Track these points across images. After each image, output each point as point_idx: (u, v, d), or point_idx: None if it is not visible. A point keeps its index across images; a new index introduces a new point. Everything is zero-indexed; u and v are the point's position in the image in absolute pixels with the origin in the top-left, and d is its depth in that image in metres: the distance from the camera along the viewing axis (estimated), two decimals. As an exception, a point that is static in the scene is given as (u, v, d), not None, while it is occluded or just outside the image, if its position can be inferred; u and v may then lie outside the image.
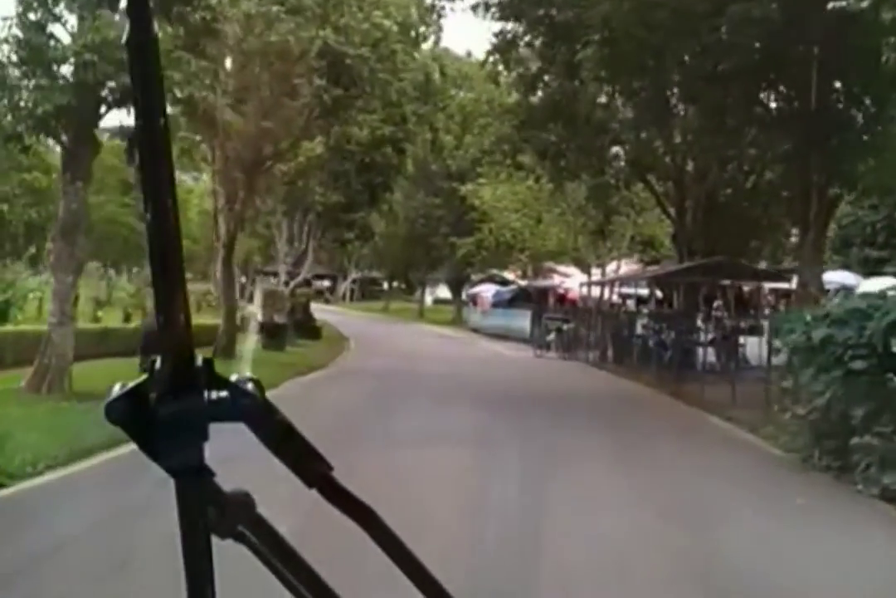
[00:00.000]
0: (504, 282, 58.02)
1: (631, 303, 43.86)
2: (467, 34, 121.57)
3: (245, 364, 22.77)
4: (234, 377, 1.15)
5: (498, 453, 12.79)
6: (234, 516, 1.17)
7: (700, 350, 29.90)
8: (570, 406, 19.67)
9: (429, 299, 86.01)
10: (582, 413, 18.28)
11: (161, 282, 1.06)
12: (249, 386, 1.15)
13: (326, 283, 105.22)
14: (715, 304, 33.92)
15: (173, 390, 1.09)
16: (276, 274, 39.54)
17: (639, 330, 34.39)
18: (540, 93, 27.58)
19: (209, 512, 1.13)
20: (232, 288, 27.94)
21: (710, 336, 31.37)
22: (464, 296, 67.38)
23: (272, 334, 32.30)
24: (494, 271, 60.71)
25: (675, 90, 28.13)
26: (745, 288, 35.95)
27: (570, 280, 48.52)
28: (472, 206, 51.89)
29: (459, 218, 58.87)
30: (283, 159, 29.64)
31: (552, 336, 37.43)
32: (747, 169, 33.31)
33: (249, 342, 26.25)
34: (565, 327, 37.82)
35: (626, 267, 46.52)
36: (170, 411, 1.09)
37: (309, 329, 40.89)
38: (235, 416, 1.13)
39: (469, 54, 57.05)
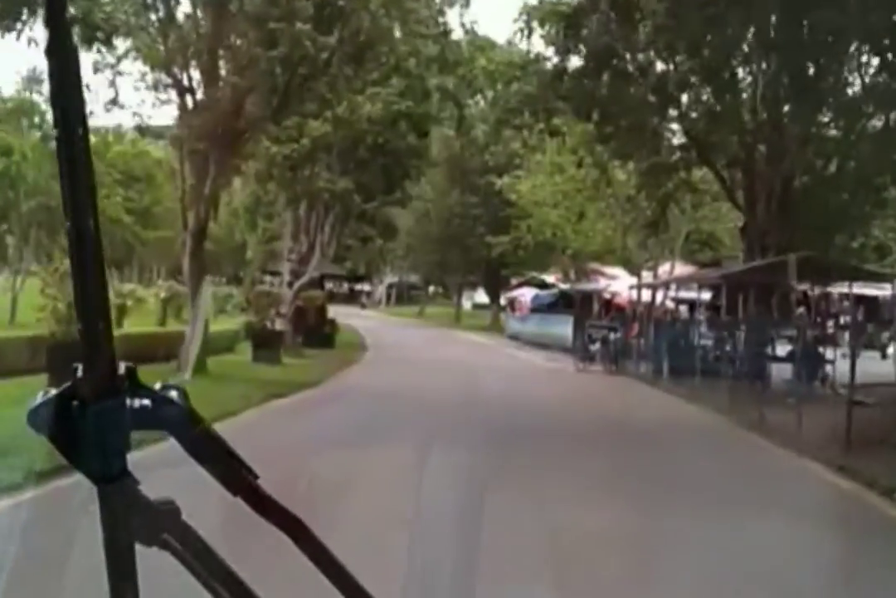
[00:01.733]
0: (544, 285, 52.24)
1: (684, 309, 38.11)
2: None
3: (199, 381, 17.44)
4: (157, 385, 1.13)
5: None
6: (159, 523, 1.15)
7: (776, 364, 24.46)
8: (629, 453, 13.76)
9: (467, 304, 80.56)
10: (648, 469, 12.44)
11: (81, 290, 1.05)
12: (173, 394, 1.14)
13: (367, 287, 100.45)
14: (799, 310, 28.12)
15: (95, 397, 1.08)
16: (278, 274, 34.03)
17: (698, 340, 28.67)
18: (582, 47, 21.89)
19: (133, 520, 1.11)
20: (205, 287, 22.57)
21: (788, 349, 25.64)
22: (502, 300, 61.78)
23: (265, 344, 26.88)
24: (533, 274, 54.95)
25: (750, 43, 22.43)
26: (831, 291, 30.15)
27: (617, 283, 42.68)
28: (508, 201, 46.23)
29: (497, 216, 53.28)
30: (265, 131, 24.24)
31: (597, 346, 31.73)
32: (830, 151, 27.53)
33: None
34: (612, 335, 32.10)
35: (679, 269, 40.67)
36: (92, 419, 1.07)
37: (321, 337, 35.48)
38: (158, 424, 1.13)
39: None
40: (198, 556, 1.17)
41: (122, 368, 1.11)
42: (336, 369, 27.19)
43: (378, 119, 28.56)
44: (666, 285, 34.72)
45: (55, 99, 1.03)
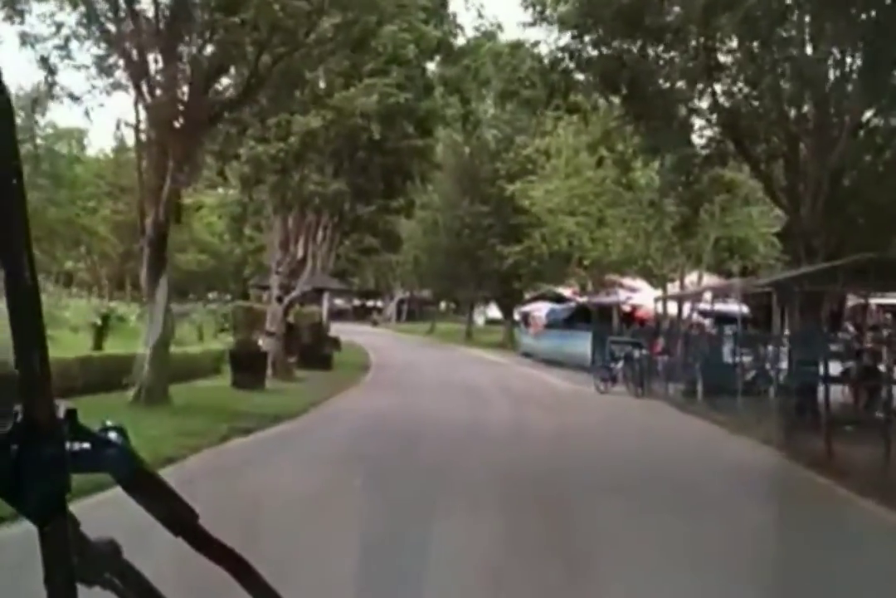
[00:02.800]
0: (559, 299, 48.78)
1: (708, 323, 34.65)
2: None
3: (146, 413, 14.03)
4: (97, 427, 1.14)
5: None
6: (100, 563, 1.16)
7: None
8: (682, 525, 9.99)
9: (480, 320, 77.17)
10: (719, 559, 8.78)
11: (18, 326, 1.04)
12: (113, 435, 1.15)
13: (379, 303, 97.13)
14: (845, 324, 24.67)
15: (34, 441, 1.07)
16: (266, 288, 30.62)
17: (736, 356, 25.23)
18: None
19: (74, 560, 1.10)
20: (165, 303, 19.18)
21: (842, 367, 22.23)
22: (515, 316, 58.37)
23: (247, 367, 23.46)
24: (548, 287, 51.49)
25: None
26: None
27: (639, 295, 39.27)
28: (521, 208, 42.85)
29: (508, 226, 49.92)
30: (238, 121, 20.98)
31: (620, 365, 28.24)
32: (882, 142, 24.13)
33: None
34: (637, 352, 28.62)
35: (706, 279, 37.19)
36: (30, 462, 1.07)
37: (318, 357, 32.11)
38: (98, 466, 1.13)
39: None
40: (140, 595, 1.20)
41: (61, 410, 1.10)
42: (328, 394, 23.78)
43: (373, 113, 25.22)
44: (696, 296, 31.19)
45: None
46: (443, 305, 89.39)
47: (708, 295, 29.90)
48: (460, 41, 28.08)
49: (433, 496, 9.58)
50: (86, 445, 1.11)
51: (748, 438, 17.93)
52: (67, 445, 1.10)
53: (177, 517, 1.19)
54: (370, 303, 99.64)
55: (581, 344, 37.78)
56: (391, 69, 26.02)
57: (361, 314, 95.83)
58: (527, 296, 56.98)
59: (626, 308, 41.33)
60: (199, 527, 1.19)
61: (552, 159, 39.03)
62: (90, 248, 40.93)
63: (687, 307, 34.07)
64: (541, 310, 47.85)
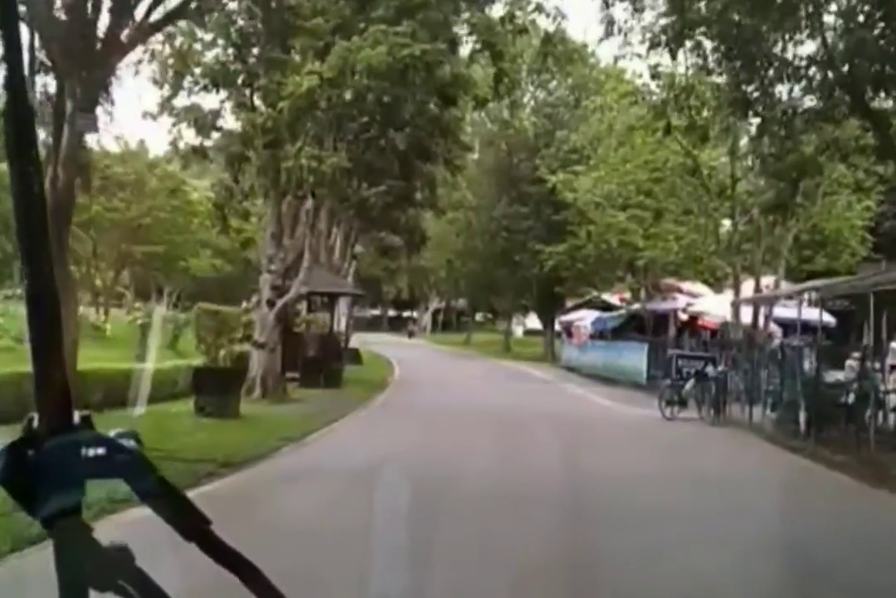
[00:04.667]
0: (605, 307, 42.83)
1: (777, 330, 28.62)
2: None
3: None
4: (112, 433, 1.14)
5: None
6: (113, 569, 1.15)
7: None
8: None
9: (518, 331, 71.27)
10: None
11: (38, 339, 1.08)
12: (127, 442, 1.15)
13: (415, 314, 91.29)
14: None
15: (51, 447, 1.08)
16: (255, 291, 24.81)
17: (832, 375, 19.30)
18: None
19: (87, 566, 1.11)
20: (73, 299, 13.64)
21: None
22: (556, 326, 52.46)
23: (212, 388, 17.73)
24: (594, 293, 45.52)
25: None
26: None
27: (702, 301, 33.28)
28: (564, 203, 36.99)
29: (550, 223, 44.01)
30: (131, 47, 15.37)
31: (690, 385, 22.24)
32: None
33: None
34: (711, 369, 22.64)
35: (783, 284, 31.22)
36: (47, 468, 1.08)
37: (326, 373, 26.47)
38: (112, 472, 1.13)
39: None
40: None
41: (77, 416, 1.11)
42: (321, 423, 18.03)
43: (382, 70, 19.56)
44: (777, 299, 25.14)
45: (10, 159, 1.06)
46: (479, 315, 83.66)
47: (793, 299, 23.83)
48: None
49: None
50: (101, 450, 1.10)
51: (886, 489, 12.05)
52: (83, 450, 1.09)
53: (190, 522, 1.18)
54: (406, 313, 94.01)
55: (635, 358, 31.90)
56: (404, 15, 20.36)
57: (396, 325, 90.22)
58: (569, 304, 51.15)
59: (684, 316, 35.37)
60: (212, 533, 1.18)
61: (602, 144, 33.16)
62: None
63: (761, 314, 28.19)
64: (585, 319, 41.99)
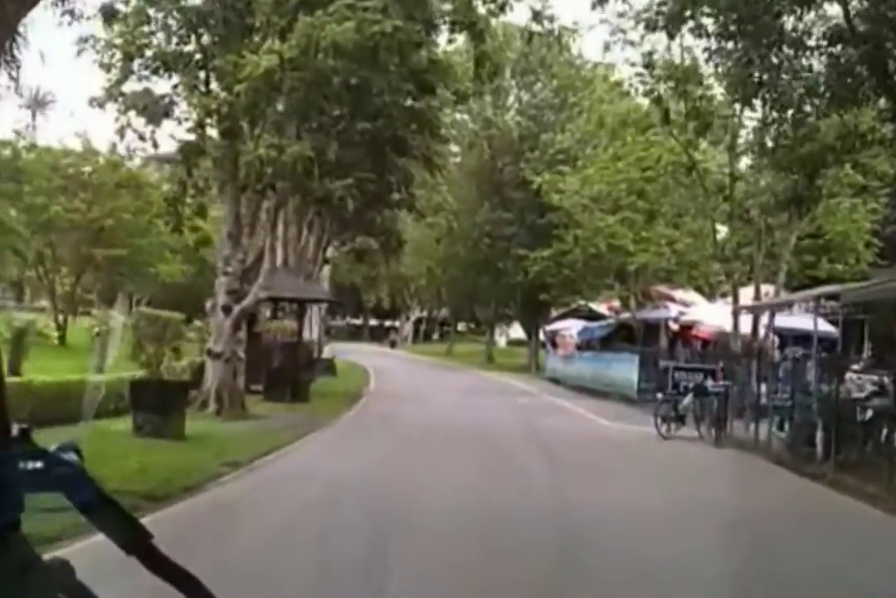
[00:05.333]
0: (593, 316, 40.66)
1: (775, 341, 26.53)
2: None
3: None
4: (52, 446, 1.13)
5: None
6: (53, 583, 1.13)
7: None
8: None
9: (501, 341, 69.05)
10: None
11: None
12: (67, 455, 1.14)
13: (397, 323, 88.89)
14: None
15: None
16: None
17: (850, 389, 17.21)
18: None
19: (27, 579, 1.10)
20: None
21: None
22: (541, 336, 50.27)
23: (153, 404, 15.44)
24: (580, 302, 43.33)
25: None
26: None
27: (696, 310, 31.14)
28: (550, 205, 34.84)
29: (537, 227, 41.80)
30: None
31: (688, 400, 20.06)
32: None
33: None
34: (711, 383, 20.49)
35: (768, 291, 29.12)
36: None
37: (293, 386, 24.22)
38: (51, 486, 1.12)
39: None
40: None
41: (15, 429, 1.08)
42: (277, 443, 15.76)
43: (349, 49, 17.38)
44: (779, 308, 23.02)
45: None
46: (462, 325, 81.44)
47: (802, 305, 21.74)
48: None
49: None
50: (39, 464, 1.08)
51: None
52: (21, 464, 1.07)
53: (131, 536, 1.15)
54: (388, 323, 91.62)
55: (625, 369, 29.78)
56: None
57: (378, 334, 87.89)
58: (554, 313, 48.98)
59: (674, 326, 33.25)
60: (154, 547, 1.16)
61: (591, 143, 31.06)
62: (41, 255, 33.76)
63: (762, 324, 26.11)
64: (571, 328, 39.83)
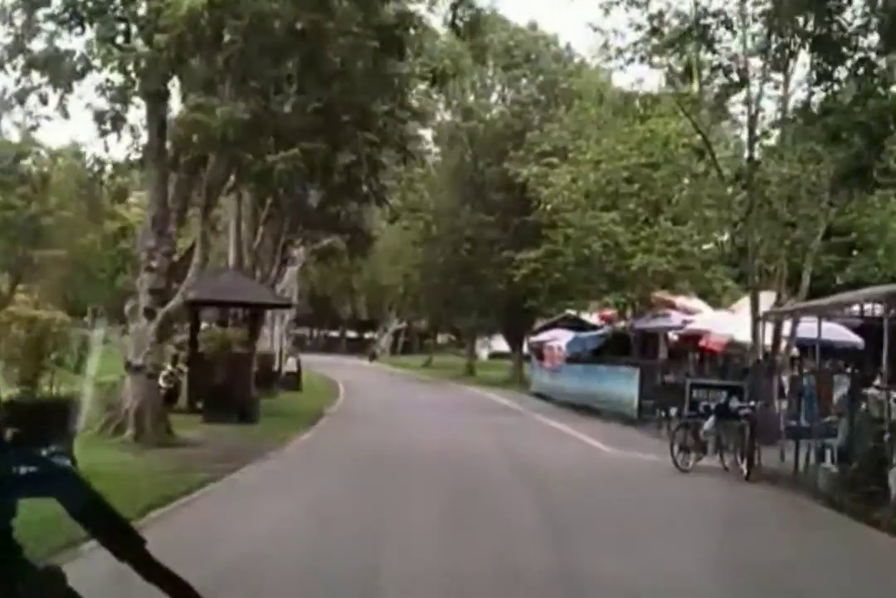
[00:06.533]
0: (581, 326, 36.90)
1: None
2: None
3: None
4: (44, 452, 1.11)
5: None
6: (45, 590, 1.13)
7: None
8: None
9: (483, 353, 65.23)
10: None
11: None
12: (60, 460, 1.13)
13: (376, 335, 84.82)
14: None
15: None
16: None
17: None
18: None
19: (19, 586, 1.09)
20: None
21: None
22: (526, 348, 46.50)
23: (29, 435, 11.67)
24: (568, 312, 39.57)
25: None
26: None
27: (704, 318, 27.40)
28: (536, 207, 31.09)
29: (520, 237, 38.07)
30: None
31: (710, 424, 16.26)
32: None
33: None
34: (736, 403, 16.71)
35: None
36: None
37: (244, 404, 20.43)
38: (45, 491, 1.11)
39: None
40: None
41: (9, 434, 1.06)
42: (192, 483, 11.90)
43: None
44: (826, 311, 19.21)
45: None
46: (443, 337, 77.62)
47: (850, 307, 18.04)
48: None
49: None
50: (33, 469, 1.07)
51: None
52: (14, 469, 1.06)
53: (124, 542, 1.15)
54: (367, 335, 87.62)
55: (623, 384, 26.07)
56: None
57: (356, 347, 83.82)
58: (538, 324, 45.23)
59: (673, 336, 29.60)
60: (146, 553, 1.15)
61: (583, 133, 27.38)
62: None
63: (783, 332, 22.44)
64: (559, 339, 36.09)
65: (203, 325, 24.68)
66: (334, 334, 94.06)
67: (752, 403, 16.41)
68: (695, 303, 29.70)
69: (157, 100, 15.67)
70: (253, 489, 12.35)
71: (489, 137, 44.12)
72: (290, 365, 33.54)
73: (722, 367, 23.48)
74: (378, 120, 19.23)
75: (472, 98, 43.58)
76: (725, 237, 23.63)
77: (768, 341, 22.07)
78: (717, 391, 17.40)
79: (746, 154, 20.73)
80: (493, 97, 46.51)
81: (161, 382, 22.60)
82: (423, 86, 22.30)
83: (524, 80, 46.02)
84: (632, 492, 13.44)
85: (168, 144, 16.17)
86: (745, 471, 15.22)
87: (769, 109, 22.26)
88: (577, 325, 37.44)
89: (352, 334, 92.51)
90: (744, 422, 15.84)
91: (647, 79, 21.95)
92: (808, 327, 22.15)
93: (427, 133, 47.83)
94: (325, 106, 16.87)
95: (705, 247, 27.19)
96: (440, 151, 47.90)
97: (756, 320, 21.13)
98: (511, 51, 45.56)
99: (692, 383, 17.92)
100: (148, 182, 16.80)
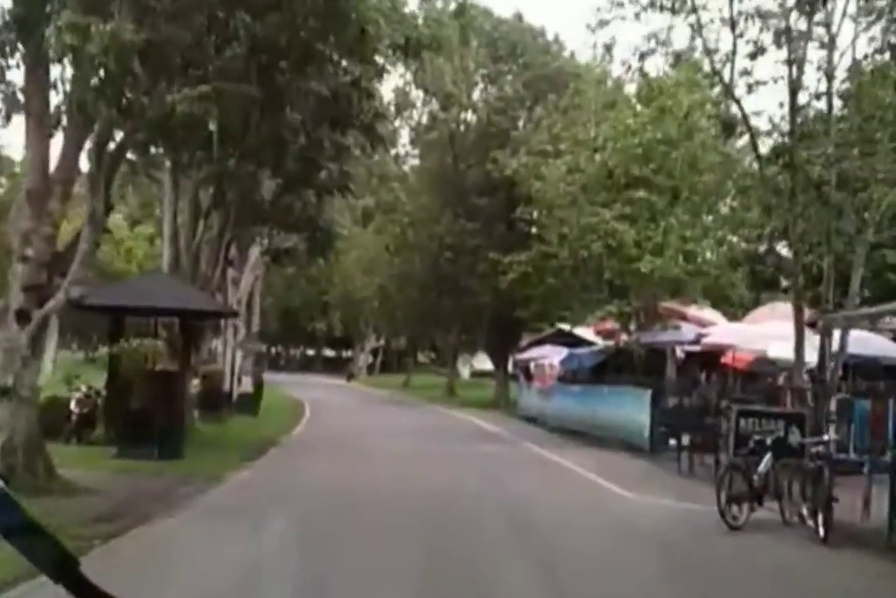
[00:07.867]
0: (574, 341, 32.75)
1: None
2: None
3: None
4: None
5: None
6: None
7: None
8: None
9: (465, 372, 61.03)
10: None
11: None
12: None
13: (353, 354, 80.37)
14: None
15: None
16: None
17: None
18: None
19: None
20: None
21: None
22: (511, 366, 42.41)
23: None
24: (560, 326, 35.44)
25: None
26: None
27: (722, 331, 23.35)
28: (527, 199, 27.06)
29: (506, 245, 33.97)
30: None
31: (765, 464, 12.17)
32: None
33: None
34: (799, 437, 12.64)
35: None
36: None
37: (166, 435, 16.23)
38: None
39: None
40: None
41: None
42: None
43: None
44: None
45: None
46: (423, 355, 73.44)
47: None
48: None
49: None
50: None
51: None
52: None
53: (57, 563, 1.07)
54: (346, 353, 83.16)
55: (631, 408, 21.99)
56: None
57: (334, 366, 79.37)
58: (525, 340, 41.15)
59: (680, 352, 25.56)
60: (81, 574, 1.08)
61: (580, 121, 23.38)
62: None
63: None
64: (550, 356, 32.02)
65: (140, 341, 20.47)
66: (311, 352, 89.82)
67: (826, 437, 12.28)
68: (707, 313, 25.67)
69: (27, 29, 11.51)
70: (116, 578, 8.13)
71: (471, 136, 40.17)
72: (245, 385, 29.27)
73: (766, 390, 19.31)
74: (329, 64, 15.07)
75: (451, 84, 39.49)
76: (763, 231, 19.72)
77: (809, 357, 18.11)
78: (771, 421, 13.28)
79: (787, 127, 16.73)
80: (476, 94, 42.56)
81: (73, 406, 18.56)
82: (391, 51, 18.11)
83: (509, 77, 42.17)
84: (669, 564, 9.16)
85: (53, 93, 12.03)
86: (822, 531, 11.10)
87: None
88: (570, 340, 33.33)
89: (329, 352, 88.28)
90: (817, 463, 11.74)
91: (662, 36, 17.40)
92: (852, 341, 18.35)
93: (404, 133, 44.03)
94: (255, 41, 12.74)
95: (723, 248, 23.23)
96: (419, 152, 43.99)
97: (800, 331, 17.05)
98: (495, 43, 41.78)
99: (738, 410, 13.71)
100: (27, 145, 12.61)
